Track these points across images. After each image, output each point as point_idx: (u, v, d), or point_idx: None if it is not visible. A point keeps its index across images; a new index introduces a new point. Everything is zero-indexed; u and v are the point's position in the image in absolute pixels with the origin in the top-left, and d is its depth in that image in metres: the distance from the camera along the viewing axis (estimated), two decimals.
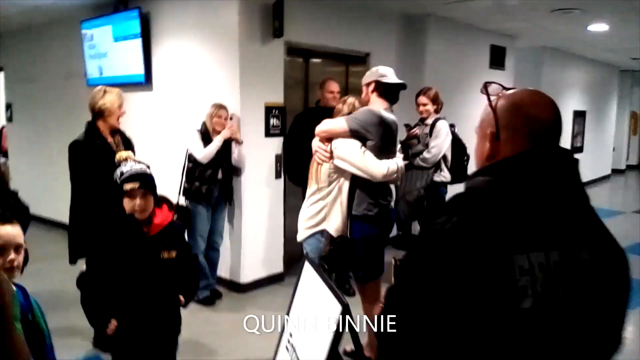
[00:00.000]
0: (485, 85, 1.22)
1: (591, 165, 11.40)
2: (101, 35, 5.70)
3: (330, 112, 4.69)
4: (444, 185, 4.79)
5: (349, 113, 3.21)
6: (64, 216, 3.70)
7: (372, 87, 3.18)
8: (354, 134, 3.03)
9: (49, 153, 7.07)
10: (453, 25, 6.51)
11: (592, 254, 1.11)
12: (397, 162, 3.14)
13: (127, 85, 5.53)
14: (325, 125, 3.16)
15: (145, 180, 2.35)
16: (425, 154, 4.62)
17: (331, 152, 3.07)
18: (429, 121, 4.71)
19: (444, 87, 6.26)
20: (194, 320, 4.03)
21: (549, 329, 1.06)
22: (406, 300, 1.13)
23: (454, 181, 4.83)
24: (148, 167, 2.45)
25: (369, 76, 3.22)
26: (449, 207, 1.15)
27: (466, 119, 6.83)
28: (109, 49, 5.66)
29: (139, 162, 2.45)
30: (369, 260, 3.18)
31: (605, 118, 12.80)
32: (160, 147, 5.31)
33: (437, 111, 4.78)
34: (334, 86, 4.85)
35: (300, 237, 3.26)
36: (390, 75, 3.18)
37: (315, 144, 3.18)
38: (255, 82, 4.65)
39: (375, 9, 5.71)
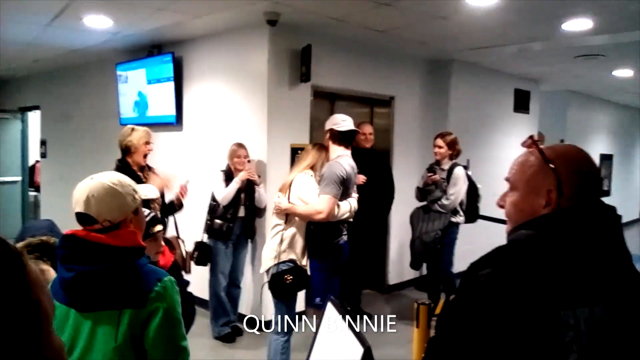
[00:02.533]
0: (535, 140, 1.24)
1: (619, 209, 11.13)
2: (135, 78, 5.93)
3: (363, 153, 4.86)
4: (456, 226, 4.94)
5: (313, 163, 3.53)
6: None
7: (328, 135, 3.56)
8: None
9: None
10: (477, 70, 6.61)
11: (635, 312, 1.12)
12: (351, 204, 3.56)
13: (158, 125, 5.73)
14: (306, 211, 3.41)
15: (164, 223, 2.43)
16: (444, 201, 4.78)
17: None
18: (445, 166, 4.86)
19: (468, 131, 6.33)
20: (214, 358, 4.06)
21: None
22: (449, 353, 1.13)
23: (467, 221, 4.99)
24: None
25: (327, 124, 3.59)
26: (493, 260, 1.15)
27: (491, 162, 6.86)
28: (143, 90, 5.88)
29: None
30: (324, 288, 3.47)
31: (632, 161, 12.65)
32: (188, 186, 5.42)
33: (452, 157, 4.90)
34: (366, 128, 5.05)
35: (263, 267, 3.51)
36: (343, 123, 3.51)
37: (283, 203, 3.43)
38: (282, 124, 4.78)
39: (399, 54, 5.86)
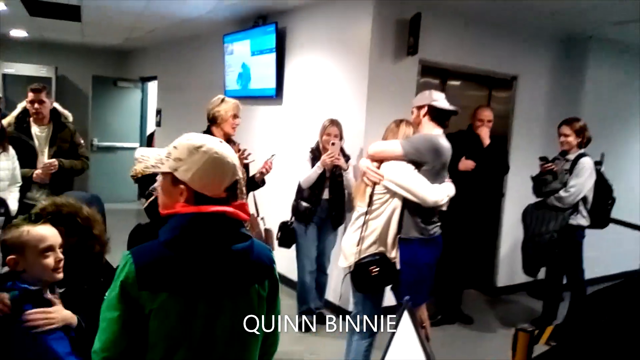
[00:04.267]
0: None
1: None
2: (240, 49, 5.82)
3: (477, 139, 4.33)
4: (581, 229, 4.29)
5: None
6: None
7: (424, 110, 3.15)
8: (408, 158, 2.98)
9: None
10: (620, 50, 5.69)
11: None
12: (448, 189, 3.11)
13: (259, 98, 5.59)
14: (380, 147, 3.10)
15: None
16: (562, 193, 4.16)
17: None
18: (571, 156, 4.26)
19: (604, 120, 5.54)
20: (297, 346, 3.87)
21: None
22: None
23: (593, 226, 4.33)
24: None
25: (421, 99, 3.21)
26: (629, 295, 0.77)
27: (630, 157, 5.99)
28: (247, 62, 5.75)
29: None
30: (417, 284, 3.08)
31: None
32: (286, 162, 5.22)
33: (580, 145, 4.26)
34: (484, 113, 4.49)
35: (347, 262, 3.10)
36: (442, 100, 3.17)
37: (365, 164, 3.10)
38: (383, 101, 4.36)
39: (526, 27, 5.14)
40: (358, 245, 3.02)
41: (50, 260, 1.72)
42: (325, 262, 4.43)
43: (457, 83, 5.34)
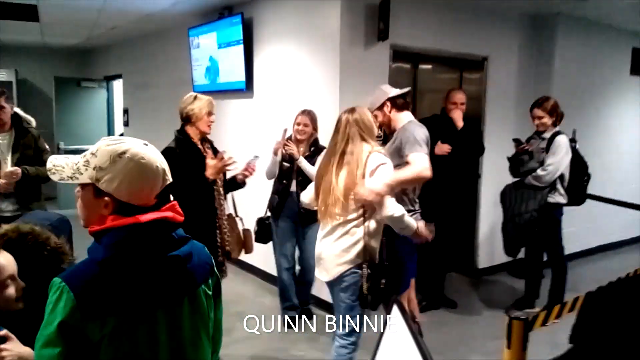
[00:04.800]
0: None
1: None
2: (207, 42, 5.67)
3: (451, 122, 4.28)
4: (559, 207, 4.32)
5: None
6: None
7: (387, 106, 3.20)
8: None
9: None
10: (587, 26, 5.71)
11: None
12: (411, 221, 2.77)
13: (229, 92, 5.45)
14: (415, 170, 2.88)
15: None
16: (540, 172, 4.17)
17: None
18: (547, 135, 4.27)
19: (575, 96, 5.57)
20: (282, 343, 3.80)
21: None
22: None
23: (570, 203, 4.35)
24: None
25: (378, 100, 3.23)
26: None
27: (601, 132, 6.05)
28: (214, 55, 5.61)
29: None
30: (404, 276, 3.12)
31: None
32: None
33: (555, 124, 4.28)
34: (457, 97, 4.39)
35: (330, 275, 2.81)
36: (392, 89, 3.25)
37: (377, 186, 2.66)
38: (356, 88, 4.27)
39: (494, 7, 5.10)
40: (351, 252, 2.75)
41: (11, 291, 1.58)
42: (310, 260, 4.06)
43: (428, 67, 5.30)
